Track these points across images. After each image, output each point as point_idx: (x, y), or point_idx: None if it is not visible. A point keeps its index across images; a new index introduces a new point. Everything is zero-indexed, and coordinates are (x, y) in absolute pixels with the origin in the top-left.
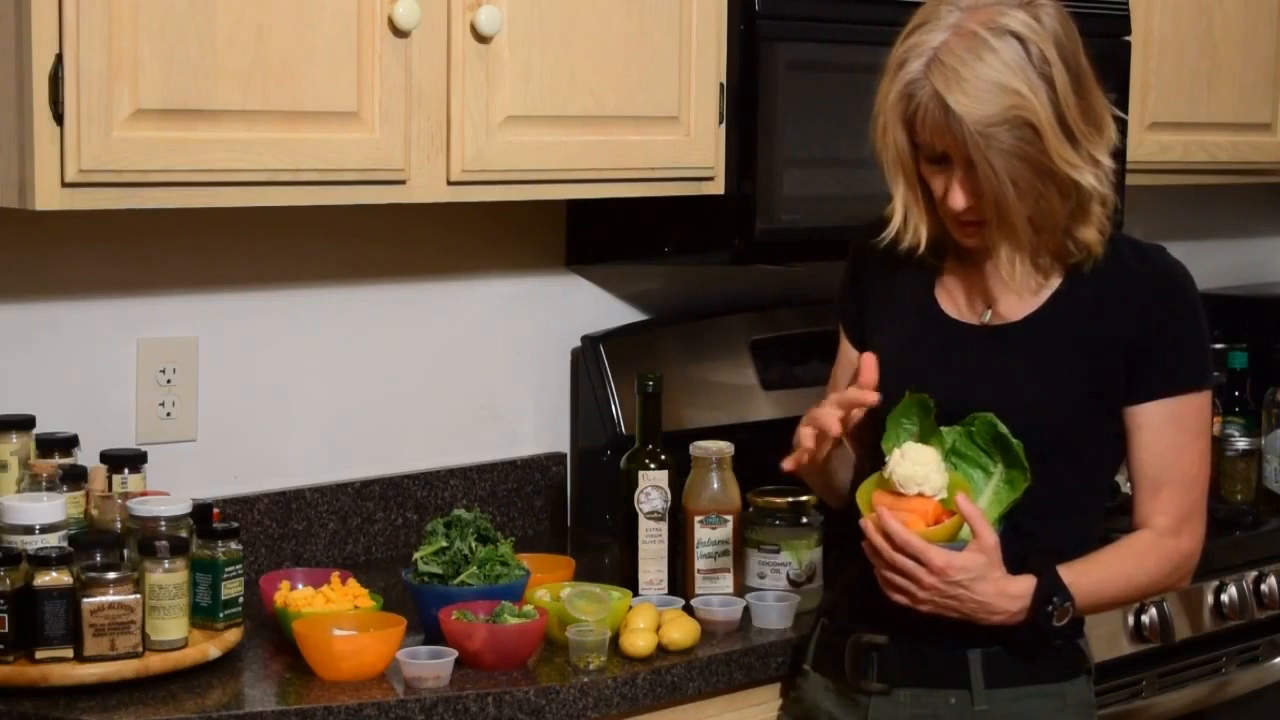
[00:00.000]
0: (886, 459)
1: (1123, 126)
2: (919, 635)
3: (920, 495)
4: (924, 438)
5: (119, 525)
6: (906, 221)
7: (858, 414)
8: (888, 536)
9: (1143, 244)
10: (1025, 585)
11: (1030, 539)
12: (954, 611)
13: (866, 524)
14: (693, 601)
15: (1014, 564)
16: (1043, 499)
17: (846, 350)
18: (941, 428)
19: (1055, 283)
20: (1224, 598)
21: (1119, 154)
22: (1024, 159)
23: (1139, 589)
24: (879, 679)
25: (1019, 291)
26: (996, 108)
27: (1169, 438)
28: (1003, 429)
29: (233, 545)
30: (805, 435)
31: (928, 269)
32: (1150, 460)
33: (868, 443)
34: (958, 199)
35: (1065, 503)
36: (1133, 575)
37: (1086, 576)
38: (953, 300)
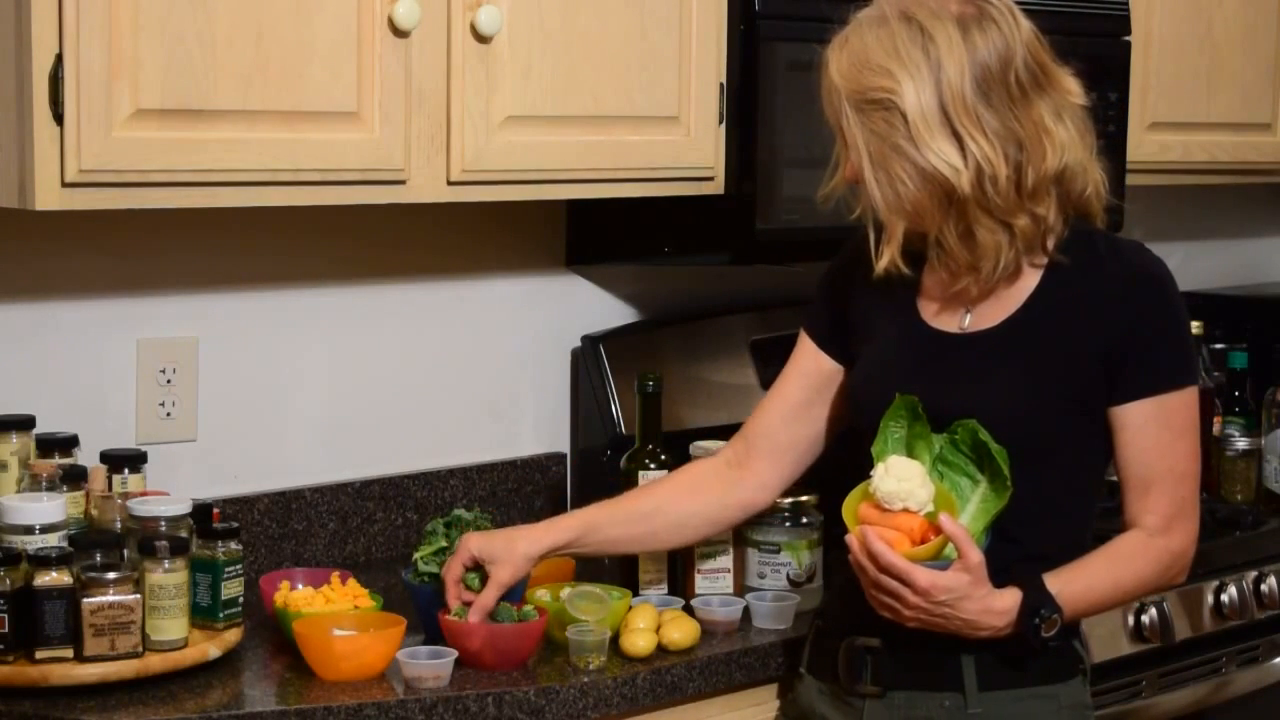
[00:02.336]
0: (873, 468)
1: (1121, 128)
2: (912, 638)
3: (906, 511)
4: (912, 441)
5: (119, 525)
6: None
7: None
8: (872, 557)
9: (1120, 241)
10: (1011, 600)
11: (1017, 545)
12: (941, 629)
13: (852, 541)
14: (693, 601)
15: (1000, 572)
16: (1029, 504)
17: (805, 356)
18: (932, 434)
19: (1031, 285)
20: (1224, 598)
21: (1120, 155)
22: (890, 144)
23: (1129, 591)
24: (873, 682)
25: (956, 296)
26: (868, 84)
27: (1154, 437)
28: (984, 436)
29: (233, 545)
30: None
31: (909, 278)
32: (1136, 460)
33: (795, 435)
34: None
35: (1052, 507)
36: (1121, 578)
37: (1073, 584)
38: (933, 309)
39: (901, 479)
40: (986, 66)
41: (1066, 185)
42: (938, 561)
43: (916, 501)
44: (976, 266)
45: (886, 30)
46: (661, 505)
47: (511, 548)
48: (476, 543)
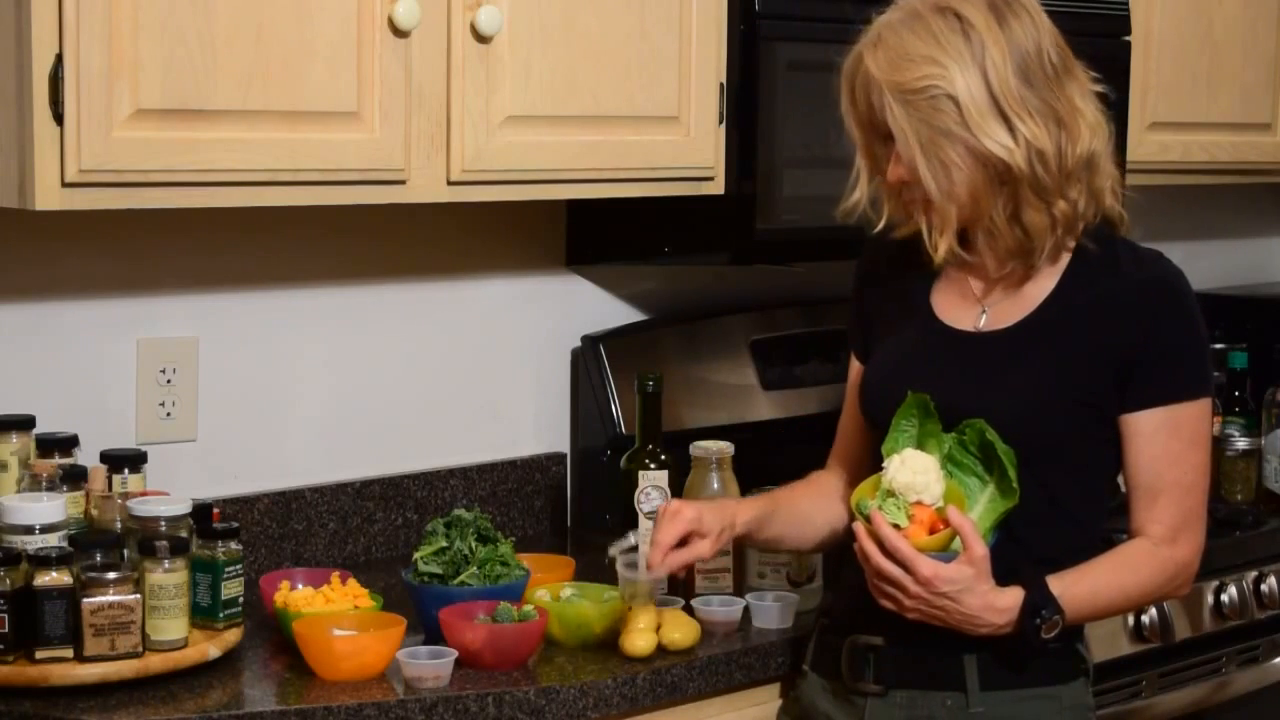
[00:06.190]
0: (886, 464)
1: (1121, 128)
2: (915, 637)
3: (919, 504)
4: (923, 440)
5: (119, 525)
6: (867, 199)
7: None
8: (879, 542)
9: (1140, 249)
10: (1013, 599)
11: (1024, 547)
12: (940, 622)
13: (858, 528)
14: (693, 601)
15: (1007, 574)
16: (1037, 506)
17: (854, 368)
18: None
19: (1049, 287)
20: (1224, 598)
21: (1120, 155)
22: (941, 130)
23: (1132, 599)
24: (875, 680)
25: (1007, 295)
26: (913, 75)
27: (1164, 446)
28: (991, 436)
29: (233, 545)
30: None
31: (926, 276)
32: (1145, 468)
33: (869, 445)
34: (891, 172)
35: (1060, 509)
36: (1125, 585)
37: (1077, 587)
38: (948, 306)
39: (917, 471)
40: (1025, 51)
41: (1092, 175)
42: (943, 554)
43: (931, 495)
44: (1029, 248)
45: (922, 23)
46: (811, 512)
47: (726, 516)
48: (692, 513)
